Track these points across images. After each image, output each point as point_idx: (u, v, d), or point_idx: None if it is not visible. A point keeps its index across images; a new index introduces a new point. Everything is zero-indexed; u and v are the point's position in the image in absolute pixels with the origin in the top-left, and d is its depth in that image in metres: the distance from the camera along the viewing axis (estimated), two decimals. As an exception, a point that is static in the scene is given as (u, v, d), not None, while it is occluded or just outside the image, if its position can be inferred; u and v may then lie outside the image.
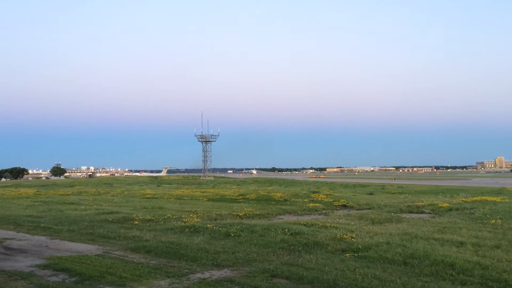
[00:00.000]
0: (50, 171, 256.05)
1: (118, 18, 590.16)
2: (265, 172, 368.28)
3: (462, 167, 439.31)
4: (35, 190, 62.64)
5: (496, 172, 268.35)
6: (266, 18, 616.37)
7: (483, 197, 36.39)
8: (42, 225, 22.41)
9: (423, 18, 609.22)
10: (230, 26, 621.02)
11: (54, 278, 11.75)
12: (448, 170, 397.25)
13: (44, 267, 13.04)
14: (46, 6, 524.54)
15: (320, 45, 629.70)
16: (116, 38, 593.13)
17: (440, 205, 30.57)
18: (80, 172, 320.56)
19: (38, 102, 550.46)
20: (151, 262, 13.62)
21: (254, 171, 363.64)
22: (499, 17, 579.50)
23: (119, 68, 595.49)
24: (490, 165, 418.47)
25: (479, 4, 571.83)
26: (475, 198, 36.35)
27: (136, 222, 22.65)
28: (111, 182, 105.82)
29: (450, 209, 28.66)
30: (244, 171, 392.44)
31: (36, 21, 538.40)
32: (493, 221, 21.35)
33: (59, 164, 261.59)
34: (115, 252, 15.25)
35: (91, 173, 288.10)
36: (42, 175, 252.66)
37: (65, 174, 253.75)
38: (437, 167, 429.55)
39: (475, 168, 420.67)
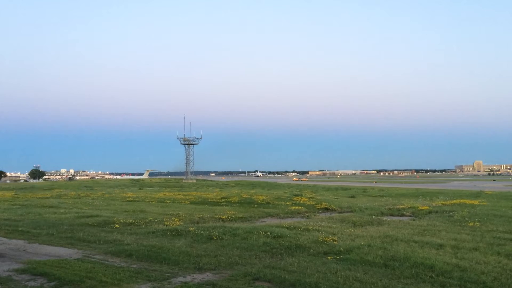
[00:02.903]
0: (28, 174, 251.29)
1: (105, 17, 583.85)
2: (271, 175, 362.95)
3: (442, 171, 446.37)
4: (13, 193, 61.24)
5: (474, 175, 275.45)
6: (251, 21, 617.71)
7: (462, 200, 37.14)
8: (20, 228, 22.00)
9: (409, 22, 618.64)
10: (214, 27, 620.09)
11: (32, 283, 11.54)
12: (428, 173, 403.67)
13: (22, 271, 12.79)
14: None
15: (304, 49, 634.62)
16: (100, 41, 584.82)
17: (420, 208, 31.05)
18: (59, 174, 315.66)
19: (16, 103, 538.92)
20: (132, 266, 13.48)
21: (260, 173, 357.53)
22: (491, 19, 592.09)
23: (100, 70, 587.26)
24: (468, 168, 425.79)
25: (460, 7, 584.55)
26: (454, 201, 37.05)
27: (117, 226, 22.40)
28: (91, 185, 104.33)
29: (430, 212, 29.15)
30: (247, 173, 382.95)
31: (25, 20, 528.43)
32: (471, 224, 21.81)
33: (38, 166, 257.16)
34: (95, 256, 15.05)
35: (71, 176, 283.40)
36: (21, 178, 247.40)
37: (44, 177, 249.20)
38: (417, 171, 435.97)
39: (454, 171, 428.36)
